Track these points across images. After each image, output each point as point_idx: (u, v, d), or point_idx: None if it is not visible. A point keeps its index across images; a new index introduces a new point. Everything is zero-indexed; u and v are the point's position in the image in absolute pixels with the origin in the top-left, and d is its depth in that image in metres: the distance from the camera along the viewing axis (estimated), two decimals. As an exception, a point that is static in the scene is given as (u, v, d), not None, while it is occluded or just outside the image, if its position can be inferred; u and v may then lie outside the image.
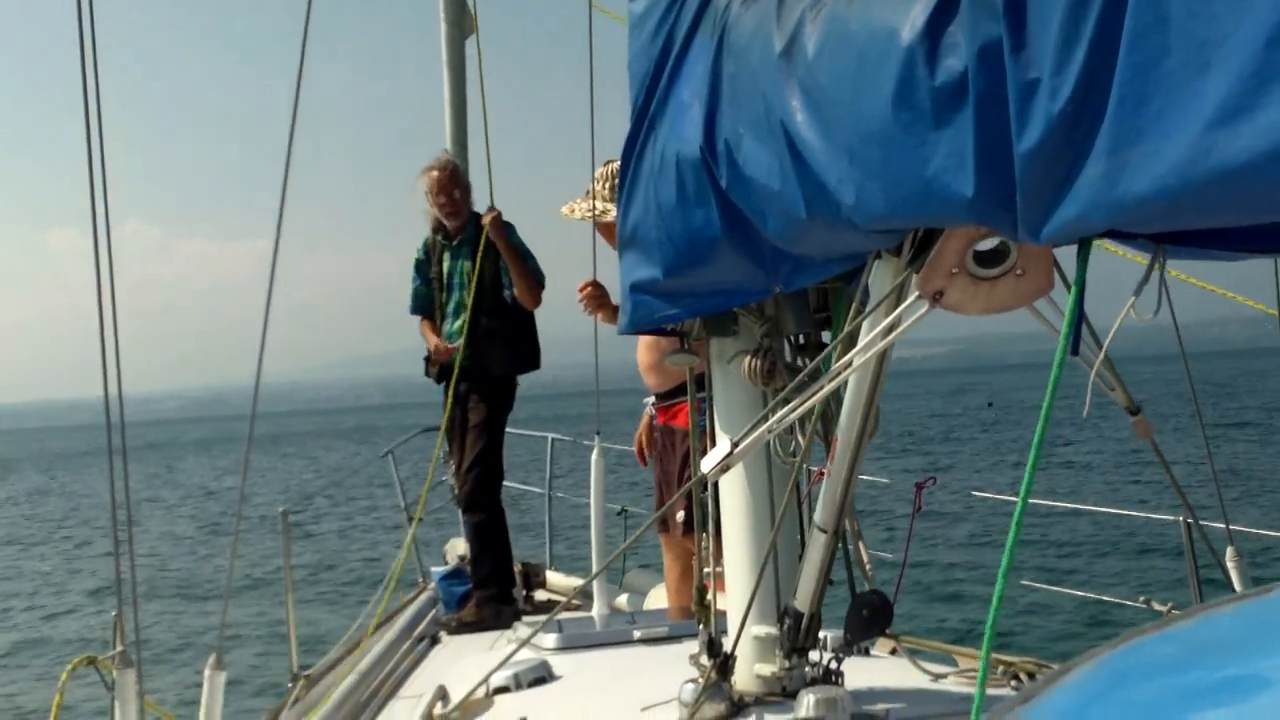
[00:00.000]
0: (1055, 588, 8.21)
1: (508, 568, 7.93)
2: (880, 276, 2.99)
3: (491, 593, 7.69)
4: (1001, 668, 4.20)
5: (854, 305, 3.15)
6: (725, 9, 3.19)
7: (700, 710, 3.73)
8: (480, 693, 4.72)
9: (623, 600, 7.30)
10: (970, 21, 2.11)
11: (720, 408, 4.00)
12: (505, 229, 7.57)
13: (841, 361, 2.89)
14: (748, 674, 3.91)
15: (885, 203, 2.43)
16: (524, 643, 4.67)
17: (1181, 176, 1.67)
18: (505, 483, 8.22)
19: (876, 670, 4.36)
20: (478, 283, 7.78)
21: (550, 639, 5.42)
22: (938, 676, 4.27)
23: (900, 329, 2.70)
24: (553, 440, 9.58)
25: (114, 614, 4.51)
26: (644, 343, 6.81)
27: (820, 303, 3.85)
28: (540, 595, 8.31)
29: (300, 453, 51.18)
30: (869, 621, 3.75)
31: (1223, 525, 4.21)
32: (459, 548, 8.57)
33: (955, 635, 6.13)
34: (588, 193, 6.86)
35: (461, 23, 7.89)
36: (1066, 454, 38.53)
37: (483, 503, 7.85)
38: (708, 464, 2.97)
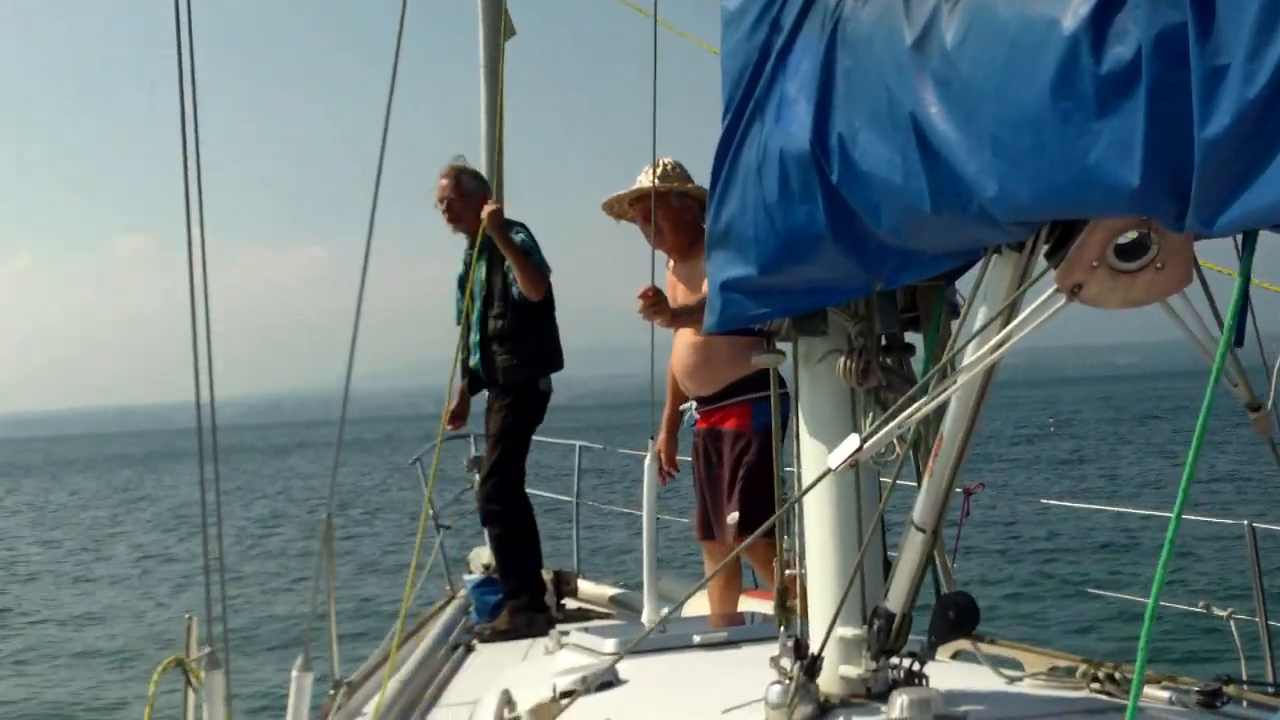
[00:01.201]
0: (1114, 593, 8.20)
1: (537, 576, 7.89)
2: (999, 271, 2.98)
3: (523, 601, 7.66)
4: (1080, 669, 4.18)
5: (968, 303, 3.14)
6: (838, 3, 3.18)
7: (792, 712, 3.70)
8: (546, 697, 4.70)
9: (665, 608, 7.28)
10: (1146, 8, 2.11)
11: (806, 408, 3.98)
12: (506, 225, 7.49)
13: (980, 354, 2.87)
14: (832, 676, 3.88)
15: (1033, 194, 2.42)
16: (635, 644, 4.63)
17: None
18: (534, 490, 8.18)
19: (950, 673, 4.34)
20: (487, 288, 7.74)
21: (609, 644, 5.39)
22: (1013, 679, 4.25)
23: (1036, 323, 2.69)
24: (580, 448, 9.56)
25: (187, 616, 4.48)
26: (686, 345, 6.79)
27: (907, 303, 3.83)
28: (571, 603, 8.29)
29: (346, 460, 51.75)
30: (955, 623, 3.73)
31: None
32: (483, 556, 8.55)
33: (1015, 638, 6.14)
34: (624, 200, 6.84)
35: (499, 26, 7.89)
36: (1126, 459, 38.74)
37: (499, 514, 7.79)
38: (835, 459, 2.96)
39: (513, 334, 7.67)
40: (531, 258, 7.50)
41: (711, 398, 6.76)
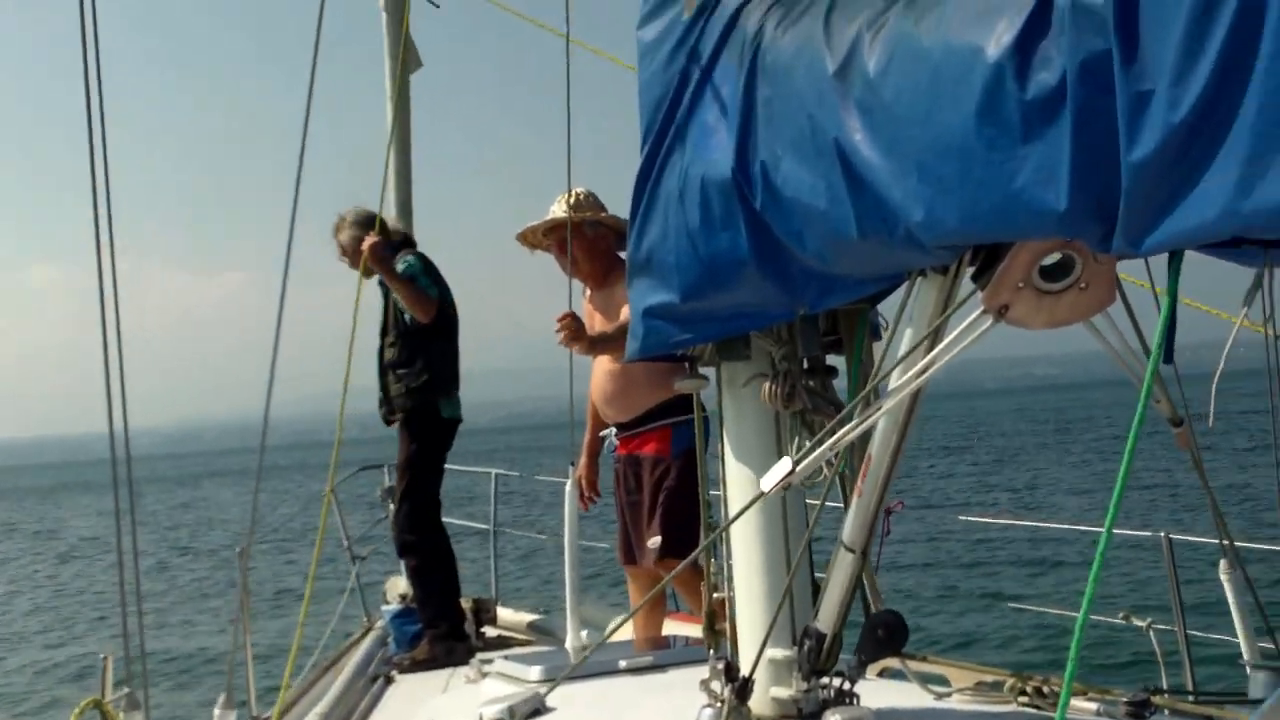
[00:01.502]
0: (1036, 606, 8.29)
1: (455, 605, 7.85)
2: (924, 294, 3.02)
3: (442, 630, 7.61)
4: (1007, 683, 4.23)
5: (893, 326, 3.17)
6: (757, 32, 3.21)
7: (724, 734, 3.71)
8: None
9: (587, 634, 7.27)
10: (1070, 36, 2.15)
11: (731, 432, 4.00)
12: (390, 255, 7.46)
13: (907, 376, 2.90)
14: (763, 697, 3.89)
15: (961, 218, 2.46)
16: (571, 671, 4.61)
17: None
18: (450, 519, 8.13)
19: (880, 691, 4.37)
20: (384, 319, 7.73)
21: (533, 671, 5.37)
22: (941, 695, 4.29)
23: (964, 344, 2.72)
24: (496, 475, 9.53)
25: (103, 657, 4.41)
26: (604, 372, 6.80)
27: (829, 325, 3.87)
28: (491, 631, 8.24)
29: (267, 487, 51.18)
30: (885, 641, 3.76)
31: (1215, 540, 4.28)
32: (400, 585, 8.48)
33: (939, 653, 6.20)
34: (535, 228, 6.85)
35: (404, 58, 7.86)
36: (1045, 470, 39.12)
37: (414, 544, 7.73)
38: (768, 483, 2.97)
39: (404, 361, 7.62)
40: (415, 282, 7.46)
41: (630, 423, 6.77)
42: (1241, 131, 1.87)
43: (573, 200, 6.65)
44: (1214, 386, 2.26)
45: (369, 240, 7.40)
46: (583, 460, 7.19)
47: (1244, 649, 4.26)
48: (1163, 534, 5.02)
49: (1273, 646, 3.92)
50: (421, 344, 7.60)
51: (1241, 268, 2.70)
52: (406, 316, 7.55)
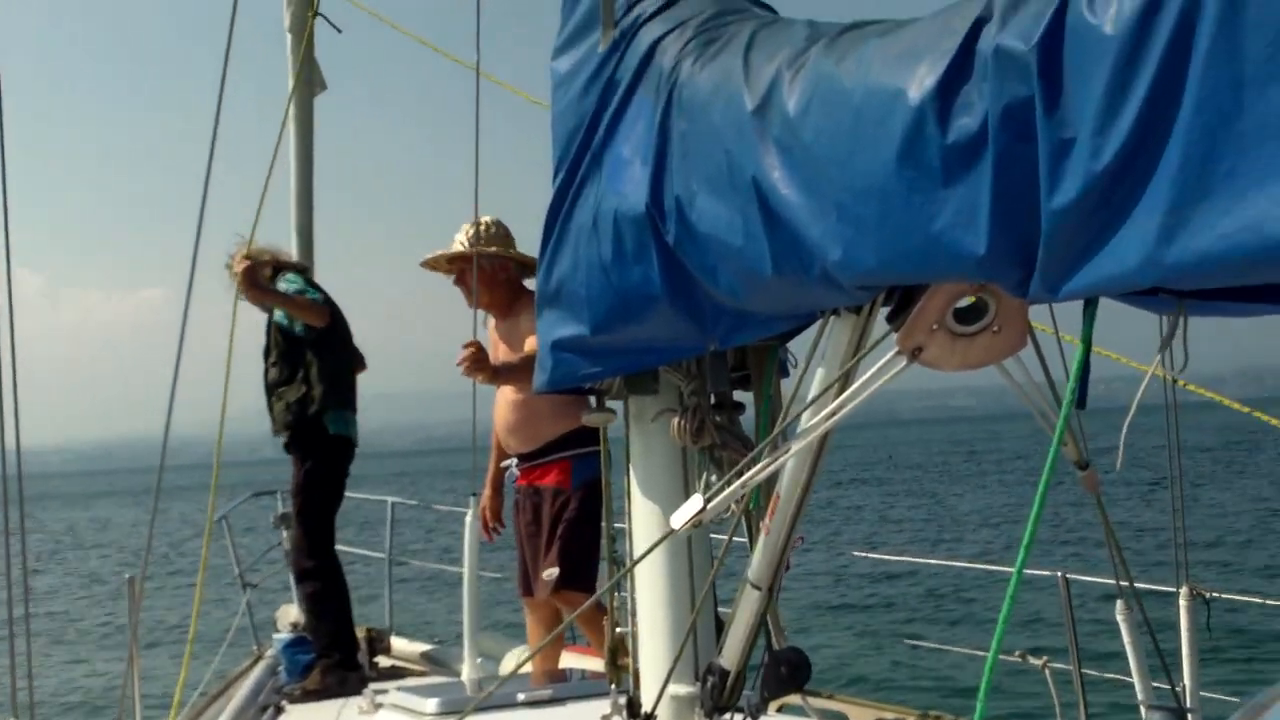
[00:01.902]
0: (937, 645, 8.33)
1: (349, 633, 7.76)
2: (838, 333, 3.02)
3: (335, 660, 7.52)
4: (874, 719, 4.25)
5: (805, 364, 3.18)
6: (674, 66, 3.20)
7: (625, 771, 3.69)
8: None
9: (483, 665, 7.21)
10: (993, 82, 2.16)
11: (638, 467, 3.98)
12: (272, 276, 7.48)
13: (822, 415, 2.90)
14: (665, 733, 3.88)
15: (879, 259, 2.46)
16: (479, 702, 4.56)
17: (1258, 233, 1.73)
18: (345, 547, 8.05)
19: (780, 728, 4.38)
20: (265, 341, 7.68)
21: (430, 704, 5.33)
22: (841, 733, 4.31)
23: (876, 385, 2.73)
24: (393, 504, 9.44)
25: None
26: (507, 403, 6.79)
27: (738, 361, 3.87)
28: (385, 661, 8.15)
29: (173, 510, 50.20)
30: (788, 678, 3.75)
31: (1110, 580, 4.31)
32: (291, 614, 8.37)
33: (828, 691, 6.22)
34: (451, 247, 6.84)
35: (311, 80, 7.80)
36: (952, 508, 39.38)
37: (311, 571, 7.65)
38: (678, 520, 2.95)
39: (285, 379, 7.56)
40: (300, 295, 7.43)
41: (532, 454, 6.75)
42: (1162, 182, 1.89)
43: (474, 232, 6.65)
44: (1123, 435, 2.28)
45: (239, 264, 7.34)
46: (486, 491, 7.16)
47: (1139, 690, 4.30)
48: (1059, 573, 5.07)
49: (1168, 688, 3.96)
50: (300, 360, 7.52)
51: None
52: (295, 329, 7.46)
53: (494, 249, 6.72)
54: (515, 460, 6.88)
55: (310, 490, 7.60)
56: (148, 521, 5.94)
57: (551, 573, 6.53)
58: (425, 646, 8.30)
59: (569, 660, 6.82)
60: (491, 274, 6.70)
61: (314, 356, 7.52)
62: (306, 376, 7.50)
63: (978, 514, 36.94)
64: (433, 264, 6.86)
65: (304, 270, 7.96)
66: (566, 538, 6.52)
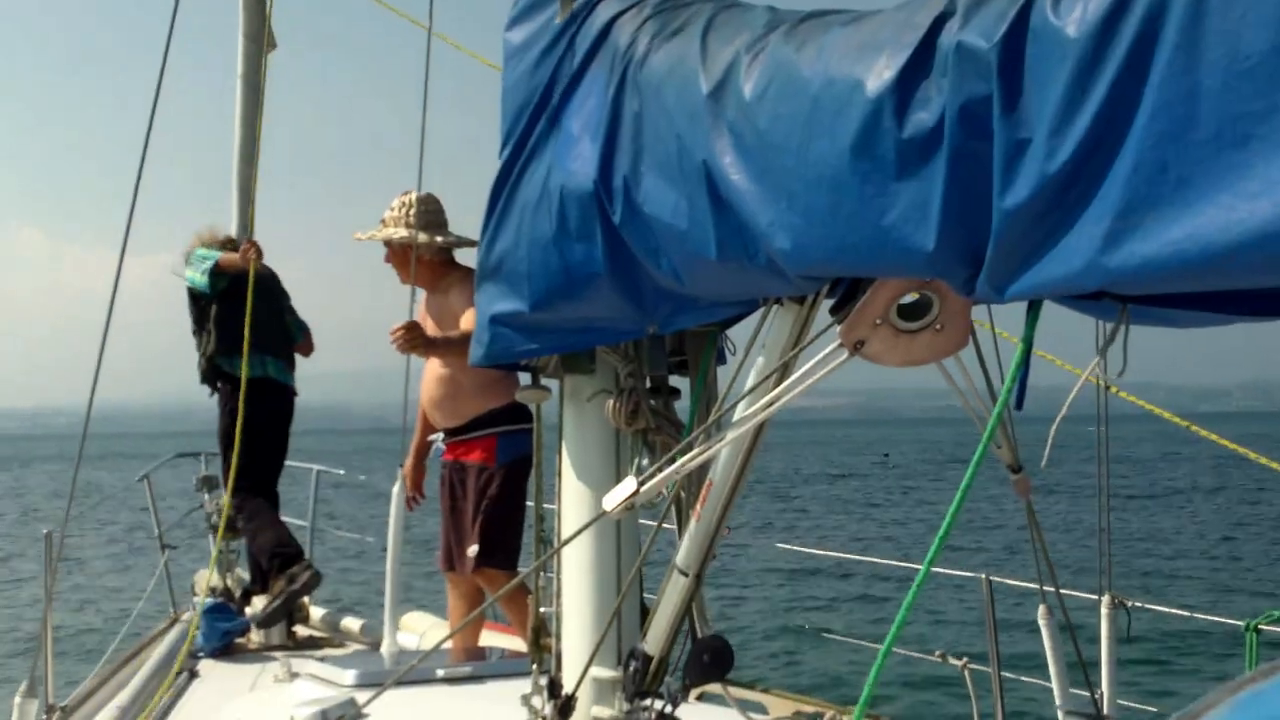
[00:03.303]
0: (853, 639, 8.35)
1: (287, 538, 7.77)
2: (780, 322, 3.00)
3: (277, 564, 7.55)
4: (827, 715, 4.25)
5: (745, 352, 3.16)
6: (630, 45, 3.17)
7: (542, 753, 3.66)
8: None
9: (402, 639, 7.16)
10: (952, 78, 2.14)
11: (571, 446, 3.95)
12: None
13: (759, 404, 2.88)
14: (585, 716, 3.86)
15: (827, 250, 2.44)
16: (398, 676, 4.52)
17: (1204, 242, 1.73)
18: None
19: (700, 715, 4.36)
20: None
21: (348, 675, 5.27)
22: (759, 723, 4.30)
23: (816, 377, 2.71)
24: (318, 473, 9.35)
25: None
26: (434, 377, 6.74)
27: (675, 346, 3.85)
28: (303, 631, 8.08)
29: (110, 472, 49.64)
30: (710, 666, 3.74)
31: (1035, 585, 4.33)
32: (209, 578, 8.28)
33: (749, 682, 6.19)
34: (383, 221, 6.79)
35: (261, 38, 7.69)
36: (886, 509, 39.51)
37: (237, 506, 7.65)
38: (610, 501, 2.93)
39: (195, 331, 7.89)
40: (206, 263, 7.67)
41: (458, 430, 6.71)
42: (1113, 187, 1.88)
43: (403, 209, 6.62)
44: (1051, 435, 2.27)
45: (244, 257, 7.49)
46: (409, 461, 7.11)
47: (1057, 695, 4.32)
48: (983, 575, 5.08)
49: (1086, 694, 3.98)
50: (206, 316, 7.80)
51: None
52: (199, 288, 7.74)
53: (422, 237, 6.61)
54: (442, 435, 6.84)
55: (229, 432, 7.59)
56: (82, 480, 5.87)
57: (473, 549, 6.50)
58: (344, 618, 8.23)
59: (489, 638, 6.78)
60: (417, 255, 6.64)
61: (214, 308, 7.76)
62: (206, 327, 7.79)
63: (918, 515, 37.14)
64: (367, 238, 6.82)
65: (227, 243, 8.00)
66: (488, 515, 6.50)
